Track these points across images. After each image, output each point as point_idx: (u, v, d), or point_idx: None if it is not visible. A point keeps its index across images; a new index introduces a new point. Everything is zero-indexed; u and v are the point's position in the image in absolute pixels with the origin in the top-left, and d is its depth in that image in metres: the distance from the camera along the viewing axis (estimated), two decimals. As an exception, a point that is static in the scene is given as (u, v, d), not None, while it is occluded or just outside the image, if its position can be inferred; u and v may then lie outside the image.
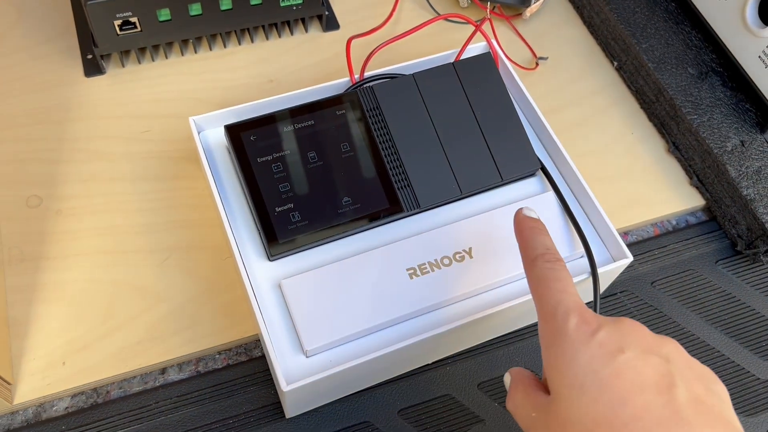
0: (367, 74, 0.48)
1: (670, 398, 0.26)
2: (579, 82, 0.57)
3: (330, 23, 0.57)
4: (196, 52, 0.55)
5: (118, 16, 0.49)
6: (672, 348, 0.29)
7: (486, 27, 0.53)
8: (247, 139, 0.42)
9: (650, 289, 0.48)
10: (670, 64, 0.54)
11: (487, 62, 0.47)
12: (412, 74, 0.45)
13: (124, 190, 0.48)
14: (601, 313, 0.46)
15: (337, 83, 0.47)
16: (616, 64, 0.57)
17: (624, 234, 0.51)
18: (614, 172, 0.52)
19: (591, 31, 0.60)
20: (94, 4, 0.47)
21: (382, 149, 0.44)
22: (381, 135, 0.44)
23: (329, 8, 0.58)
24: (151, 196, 0.48)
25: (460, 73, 0.46)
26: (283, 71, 0.55)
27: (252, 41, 0.56)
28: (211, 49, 0.55)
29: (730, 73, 0.55)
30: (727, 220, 0.51)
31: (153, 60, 0.54)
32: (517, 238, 0.34)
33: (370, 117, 0.44)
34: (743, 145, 0.51)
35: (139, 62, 0.54)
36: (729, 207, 0.50)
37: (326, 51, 0.56)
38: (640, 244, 0.50)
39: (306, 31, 0.57)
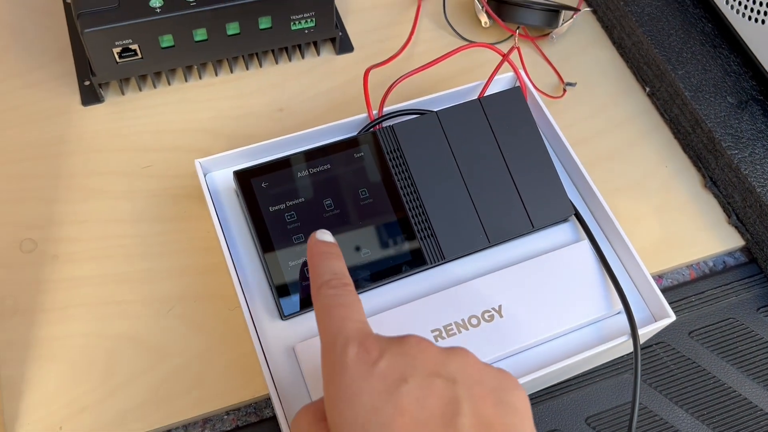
0: (386, 109, 0.44)
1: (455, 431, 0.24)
2: (608, 109, 0.53)
3: (344, 46, 0.54)
4: (200, 78, 0.51)
5: (117, 43, 0.45)
6: (459, 364, 0.26)
7: (513, 54, 0.50)
8: (258, 187, 0.39)
9: (688, 340, 0.45)
10: (707, 92, 0.51)
11: (516, 98, 0.43)
12: (436, 112, 0.42)
13: (124, 232, 0.45)
14: (641, 368, 0.43)
15: (354, 120, 0.44)
16: (648, 90, 0.54)
17: (658, 278, 0.47)
18: (646, 210, 0.49)
19: (621, 53, 0.56)
20: (92, 32, 0.44)
21: (404, 195, 0.40)
22: (402, 179, 0.41)
23: (343, 29, 0.55)
24: (154, 240, 0.44)
25: (487, 109, 0.43)
26: (295, 99, 0.51)
27: (260, 65, 0.52)
28: (216, 75, 0.52)
29: (772, 102, 0.51)
30: (770, 263, 0.47)
31: (155, 87, 0.50)
32: (308, 263, 0.31)
33: (390, 159, 0.41)
34: (787, 182, 0.47)
35: (140, 89, 0.50)
36: (772, 250, 0.47)
37: (340, 76, 0.53)
38: (676, 289, 0.47)
39: (318, 54, 0.53)
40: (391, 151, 0.41)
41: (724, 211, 0.50)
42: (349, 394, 0.25)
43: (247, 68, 0.52)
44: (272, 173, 0.39)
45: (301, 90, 0.52)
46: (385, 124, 0.43)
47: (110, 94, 0.50)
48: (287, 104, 0.51)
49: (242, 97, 0.51)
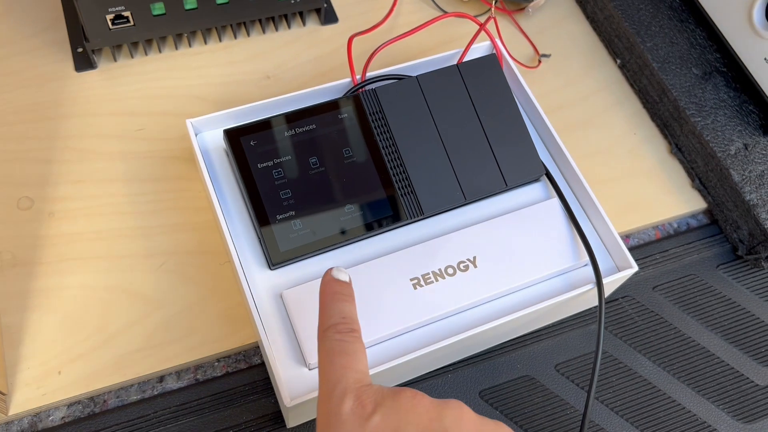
0: (369, 75, 0.46)
1: None
2: (581, 80, 0.56)
3: (328, 16, 0.56)
4: (190, 46, 0.53)
5: (110, 10, 0.47)
6: (453, 418, 0.27)
7: (490, 25, 0.52)
8: (247, 144, 0.41)
9: (652, 294, 0.48)
10: (674, 63, 0.54)
11: (491, 64, 0.46)
12: (416, 76, 0.44)
13: (118, 191, 0.47)
14: (607, 319, 0.45)
15: (338, 84, 0.46)
16: (619, 62, 0.57)
17: (626, 237, 0.50)
18: (616, 174, 0.52)
19: (594, 27, 0.59)
20: (86, -2, 0.46)
21: (385, 154, 0.43)
22: (384, 140, 0.43)
23: (328, 1, 0.57)
24: (147, 198, 0.47)
25: (465, 75, 0.45)
26: (281, 67, 0.53)
27: (248, 35, 0.54)
28: (206, 43, 0.53)
29: (735, 74, 0.54)
30: (729, 224, 0.50)
31: (146, 54, 0.52)
32: (319, 299, 0.31)
33: (372, 121, 0.43)
34: (746, 148, 0.50)
35: (132, 56, 0.52)
36: (731, 211, 0.50)
37: (325, 45, 0.55)
38: (642, 248, 0.50)
39: (304, 24, 0.55)
40: (373, 113, 0.43)
41: (688, 175, 0.53)
42: None
43: (236, 37, 0.54)
44: (260, 132, 0.41)
45: (288, 58, 0.54)
46: (367, 88, 0.46)
47: (103, 61, 0.52)
48: (274, 72, 0.53)
49: (231, 65, 0.53)
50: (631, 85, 0.56)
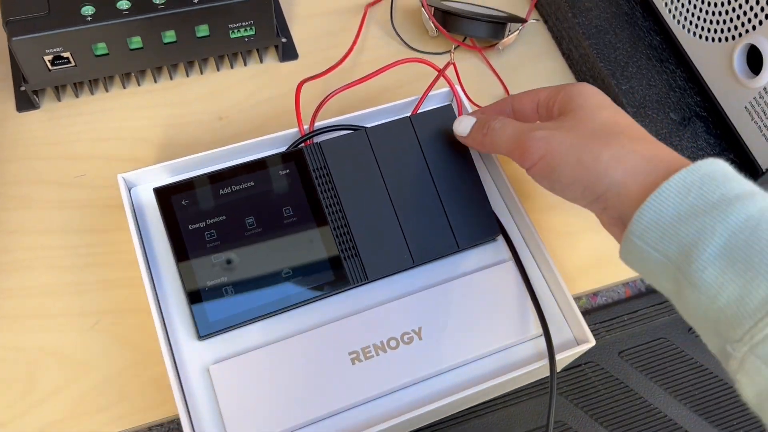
0: (318, 124, 0.44)
1: None
2: (553, 122, 0.53)
3: (288, 52, 0.53)
4: (139, 84, 0.51)
5: (48, 51, 0.45)
6: None
7: (453, 69, 0.49)
8: (178, 204, 0.39)
9: (617, 360, 0.45)
10: (651, 108, 0.50)
11: (446, 115, 0.43)
12: (365, 129, 0.42)
13: (53, 243, 0.44)
14: (567, 387, 0.43)
15: (285, 134, 0.43)
16: (594, 103, 0.53)
17: (593, 295, 0.47)
18: (584, 226, 0.49)
19: (570, 65, 0.56)
20: (20, 40, 0.43)
21: (328, 214, 0.40)
22: (327, 198, 0.40)
23: (288, 36, 0.54)
24: (83, 251, 0.44)
25: (417, 127, 0.42)
26: (235, 107, 0.51)
27: (201, 72, 0.52)
28: (156, 82, 0.51)
29: (714, 119, 0.51)
30: (704, 283, 0.47)
31: (92, 93, 0.50)
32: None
33: (316, 177, 0.40)
34: (724, 202, 0.47)
35: (77, 96, 0.50)
36: (706, 270, 0.47)
37: (283, 84, 0.52)
38: (610, 308, 0.47)
39: (261, 61, 0.53)
40: (317, 169, 0.40)
41: (663, 228, 0.49)
42: None
43: (188, 75, 0.51)
44: (193, 190, 0.39)
45: (243, 98, 0.51)
46: (316, 139, 0.43)
47: (46, 101, 0.50)
48: (227, 113, 0.50)
49: (182, 105, 0.50)
50: (606, 129, 0.53)
